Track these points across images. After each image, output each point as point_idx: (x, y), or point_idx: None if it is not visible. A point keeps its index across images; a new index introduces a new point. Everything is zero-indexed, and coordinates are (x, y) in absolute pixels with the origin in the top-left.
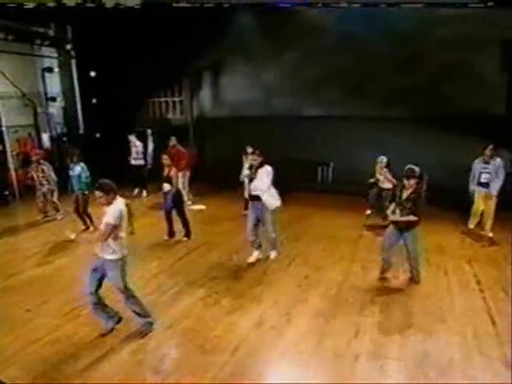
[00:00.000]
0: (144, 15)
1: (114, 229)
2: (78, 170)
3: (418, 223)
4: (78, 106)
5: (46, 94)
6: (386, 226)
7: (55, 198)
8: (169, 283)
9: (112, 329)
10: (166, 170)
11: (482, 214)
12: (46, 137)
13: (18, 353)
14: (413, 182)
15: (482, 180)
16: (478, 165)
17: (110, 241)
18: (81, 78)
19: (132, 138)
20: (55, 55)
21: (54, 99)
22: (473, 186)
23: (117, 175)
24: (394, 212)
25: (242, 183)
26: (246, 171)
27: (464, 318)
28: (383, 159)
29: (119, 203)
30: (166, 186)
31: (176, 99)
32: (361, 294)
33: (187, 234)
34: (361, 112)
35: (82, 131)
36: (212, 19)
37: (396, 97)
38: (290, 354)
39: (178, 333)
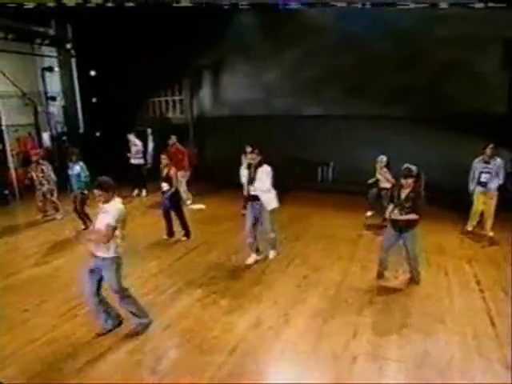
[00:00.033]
0: (144, 14)
1: (114, 230)
2: (78, 169)
3: (418, 223)
4: (78, 105)
5: (46, 93)
6: (385, 226)
7: (55, 198)
8: (167, 283)
9: (110, 330)
10: (165, 170)
11: (481, 214)
12: (46, 136)
13: (15, 352)
14: (410, 181)
15: (482, 180)
16: (478, 164)
17: None
18: (81, 77)
19: (131, 137)
20: (55, 54)
21: (54, 98)
22: (472, 186)
23: (117, 174)
24: (392, 212)
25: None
26: (244, 171)
27: (464, 318)
28: (383, 159)
29: (118, 203)
30: (165, 186)
31: (176, 98)
32: (360, 294)
33: (186, 234)
34: (361, 111)
35: (82, 130)
36: (212, 18)
37: (396, 96)
38: (289, 355)
39: (176, 333)
